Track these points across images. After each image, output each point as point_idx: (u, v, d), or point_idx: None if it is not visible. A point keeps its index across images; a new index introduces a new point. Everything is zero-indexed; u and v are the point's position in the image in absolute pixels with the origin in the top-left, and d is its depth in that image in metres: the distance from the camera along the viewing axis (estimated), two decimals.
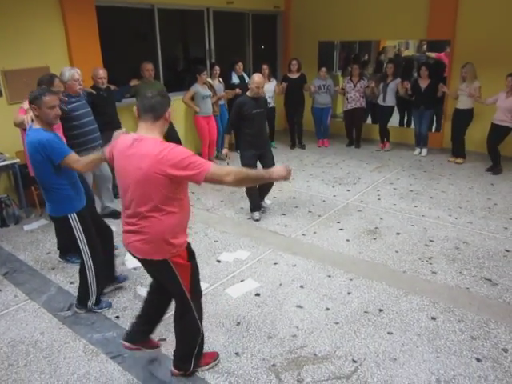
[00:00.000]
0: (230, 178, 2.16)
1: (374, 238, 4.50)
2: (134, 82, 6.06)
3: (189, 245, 2.44)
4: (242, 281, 3.77)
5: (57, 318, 3.32)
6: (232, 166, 2.66)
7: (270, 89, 7.53)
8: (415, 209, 5.23)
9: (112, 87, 5.56)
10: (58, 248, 4.19)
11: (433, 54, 7.98)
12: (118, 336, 2.97)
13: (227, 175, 2.16)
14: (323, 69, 7.81)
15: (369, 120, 8.60)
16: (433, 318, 3.21)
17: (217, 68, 7.15)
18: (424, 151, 7.45)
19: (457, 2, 7.03)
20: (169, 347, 2.88)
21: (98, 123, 4.72)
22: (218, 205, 5.53)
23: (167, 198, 2.21)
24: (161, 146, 2.14)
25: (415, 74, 7.78)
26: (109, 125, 4.83)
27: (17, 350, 2.99)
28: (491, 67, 6.69)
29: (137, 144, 2.20)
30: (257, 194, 5.08)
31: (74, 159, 2.90)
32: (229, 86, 7.44)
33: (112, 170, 3.51)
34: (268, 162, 4.85)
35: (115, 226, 4.16)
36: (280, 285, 3.70)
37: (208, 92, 6.83)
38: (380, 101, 7.58)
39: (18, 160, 5.00)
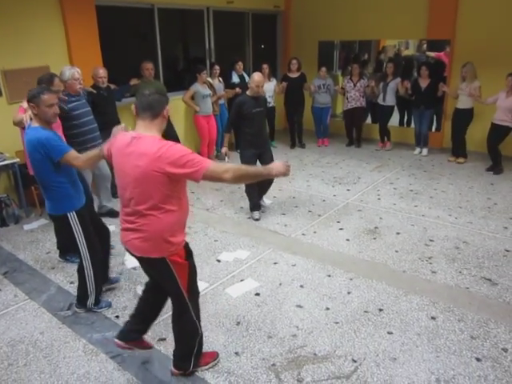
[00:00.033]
0: (228, 175, 2.16)
1: (374, 238, 4.50)
2: (134, 81, 6.06)
3: (187, 244, 2.44)
4: (241, 280, 3.77)
5: (56, 317, 3.32)
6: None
7: (270, 88, 7.53)
8: (415, 208, 5.23)
9: (112, 86, 5.56)
10: (58, 248, 4.19)
11: (432, 54, 7.98)
12: None
13: (225, 172, 2.16)
14: (323, 68, 7.81)
15: (369, 120, 8.60)
16: (433, 318, 3.21)
17: (217, 67, 7.15)
18: (425, 151, 7.45)
19: (457, 1, 7.03)
20: (168, 347, 2.88)
21: (98, 122, 4.72)
22: (218, 204, 5.53)
23: (166, 196, 2.21)
24: (159, 144, 2.14)
25: (415, 74, 7.78)
26: (109, 124, 4.77)
27: (17, 350, 2.99)
28: (491, 67, 6.69)
29: (135, 142, 2.20)
30: (256, 193, 5.09)
31: (74, 156, 2.90)
32: (229, 85, 7.44)
33: (111, 168, 3.51)
34: (268, 161, 4.80)
35: (113, 224, 4.16)
36: (280, 284, 3.70)
37: (208, 91, 6.83)
38: (380, 100, 7.58)
39: (17, 160, 5.00)
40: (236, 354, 2.90)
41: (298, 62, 7.71)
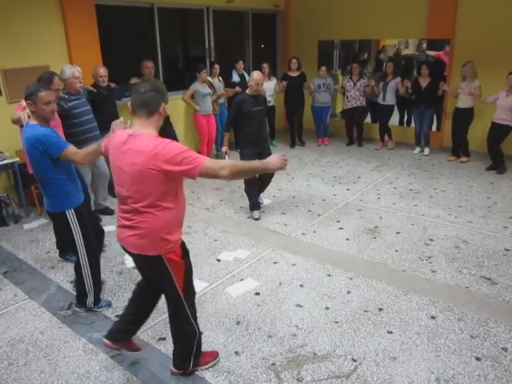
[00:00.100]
0: (224, 172, 2.15)
1: (374, 237, 4.50)
2: (134, 80, 6.06)
3: (183, 242, 2.44)
4: (241, 280, 3.77)
5: (56, 317, 3.32)
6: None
7: (270, 87, 7.53)
8: (415, 208, 5.23)
9: (112, 85, 5.56)
10: (58, 247, 4.19)
11: (432, 53, 7.98)
12: None
13: (222, 169, 2.15)
14: (323, 68, 7.81)
15: (368, 119, 8.59)
16: (432, 317, 3.21)
17: (216, 67, 7.15)
18: (426, 150, 7.44)
19: (456, 1, 7.02)
20: (168, 346, 2.88)
21: (99, 121, 4.72)
22: (218, 204, 5.53)
23: (163, 193, 2.21)
24: (155, 142, 2.14)
25: (415, 73, 7.78)
26: (109, 123, 4.79)
27: (16, 349, 2.99)
28: (491, 66, 6.69)
29: (132, 140, 2.19)
30: (256, 192, 5.09)
31: (73, 151, 2.90)
32: (229, 84, 7.44)
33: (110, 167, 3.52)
34: None
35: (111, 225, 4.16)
36: (280, 284, 3.70)
37: (208, 90, 6.83)
38: (380, 100, 7.58)
39: (17, 159, 5.00)
40: (236, 353, 2.90)
41: (297, 61, 7.71)
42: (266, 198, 5.49)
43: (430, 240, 4.41)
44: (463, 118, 6.67)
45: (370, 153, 7.66)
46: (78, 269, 3.23)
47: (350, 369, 2.74)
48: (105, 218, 4.99)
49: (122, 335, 2.70)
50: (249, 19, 8.53)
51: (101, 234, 3.65)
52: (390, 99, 7.48)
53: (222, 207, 5.42)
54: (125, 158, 2.20)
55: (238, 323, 3.20)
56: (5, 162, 4.96)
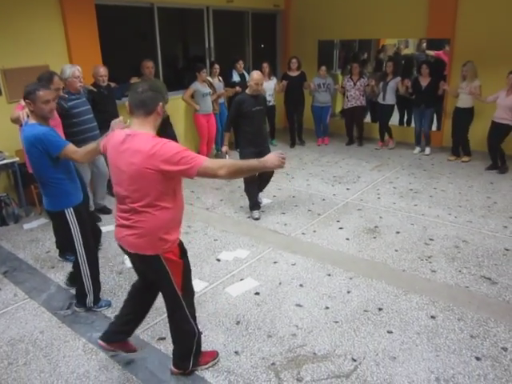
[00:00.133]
0: (222, 171, 2.14)
1: (374, 237, 4.50)
2: (134, 80, 6.05)
3: (181, 242, 2.44)
4: (241, 280, 3.77)
5: (56, 316, 3.32)
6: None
7: (270, 87, 7.54)
8: (415, 207, 5.23)
9: (112, 85, 5.57)
10: (57, 247, 4.19)
11: (432, 52, 7.98)
12: None
13: (220, 168, 2.15)
14: (323, 67, 7.80)
15: (368, 119, 8.59)
16: (432, 317, 3.21)
17: (216, 66, 7.15)
18: (427, 150, 7.43)
19: (456, 0, 7.01)
20: (168, 346, 2.87)
21: (99, 121, 4.73)
22: (218, 204, 5.53)
23: (161, 193, 2.21)
24: (153, 142, 2.14)
25: (415, 73, 7.77)
26: (109, 122, 4.79)
27: (16, 349, 2.99)
28: (491, 65, 6.69)
29: (130, 139, 2.19)
30: (256, 192, 5.09)
31: (73, 150, 2.90)
32: (229, 83, 7.44)
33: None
34: None
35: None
36: (280, 284, 3.70)
37: (208, 90, 6.83)
38: (380, 99, 7.57)
39: (17, 159, 5.00)
40: (236, 353, 2.90)
41: (297, 60, 7.72)
42: (265, 198, 5.49)
43: (430, 240, 4.41)
44: (463, 117, 6.67)
45: (370, 152, 7.66)
46: (76, 268, 3.22)
47: (350, 368, 2.74)
48: (105, 218, 4.99)
49: (118, 336, 2.70)
50: (249, 19, 8.53)
51: (98, 233, 3.65)
52: (390, 99, 7.48)
53: (221, 207, 5.42)
54: (123, 158, 2.20)
55: (237, 323, 3.20)
56: (5, 161, 4.96)
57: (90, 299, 3.31)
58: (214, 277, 3.82)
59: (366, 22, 7.99)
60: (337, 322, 3.19)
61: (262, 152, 4.92)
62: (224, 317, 3.27)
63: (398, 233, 4.58)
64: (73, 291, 3.53)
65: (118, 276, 3.86)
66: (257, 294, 3.56)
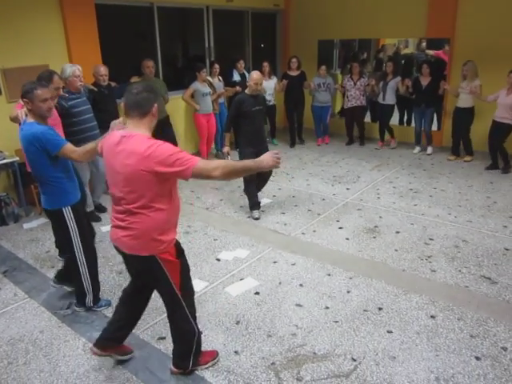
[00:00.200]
0: (217, 173, 2.14)
1: (374, 237, 4.50)
2: (134, 79, 6.07)
3: (177, 242, 2.44)
4: (241, 279, 3.77)
5: (56, 316, 3.32)
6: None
7: (270, 86, 7.55)
8: (415, 207, 5.23)
9: (113, 84, 5.57)
10: (57, 246, 4.18)
11: (431, 52, 7.98)
12: None
13: (214, 170, 2.14)
14: (323, 67, 7.80)
15: (368, 118, 8.58)
16: (432, 317, 3.21)
17: (216, 66, 7.14)
18: (429, 149, 7.42)
19: (456, 0, 7.01)
20: (168, 346, 2.88)
21: (99, 120, 4.73)
22: (218, 203, 5.52)
23: (156, 195, 2.21)
24: (148, 143, 2.14)
25: (415, 72, 7.77)
26: (109, 122, 4.80)
27: (16, 349, 2.99)
28: (491, 65, 6.68)
29: (125, 141, 2.19)
30: (256, 192, 5.09)
31: (71, 149, 2.91)
32: (229, 83, 7.44)
33: None
34: None
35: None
36: (279, 283, 3.70)
37: (208, 89, 6.83)
38: (380, 99, 7.57)
39: (17, 158, 5.00)
40: (235, 352, 2.90)
41: (297, 60, 7.72)
42: (265, 198, 5.49)
43: (430, 239, 4.41)
44: (464, 117, 6.67)
45: (370, 152, 7.66)
46: (75, 267, 3.21)
47: (350, 368, 2.74)
48: (105, 218, 4.99)
49: (111, 343, 2.70)
50: (249, 18, 8.52)
51: (92, 232, 3.64)
52: (390, 99, 7.47)
53: (221, 207, 5.41)
54: (118, 159, 2.20)
55: (237, 323, 3.20)
56: (4, 161, 4.95)
57: (89, 299, 3.31)
58: (214, 276, 3.82)
59: (365, 21, 7.98)
60: (337, 321, 3.19)
61: (261, 152, 4.90)
62: (224, 316, 3.27)
63: (397, 232, 4.58)
64: (67, 288, 3.53)
65: (117, 276, 3.86)
66: (257, 293, 3.56)
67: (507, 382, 2.61)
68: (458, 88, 6.70)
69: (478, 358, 2.79)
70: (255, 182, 5.01)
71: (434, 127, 7.70)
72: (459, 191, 5.72)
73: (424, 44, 8.04)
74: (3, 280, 3.85)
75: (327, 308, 3.34)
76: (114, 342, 2.70)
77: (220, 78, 7.25)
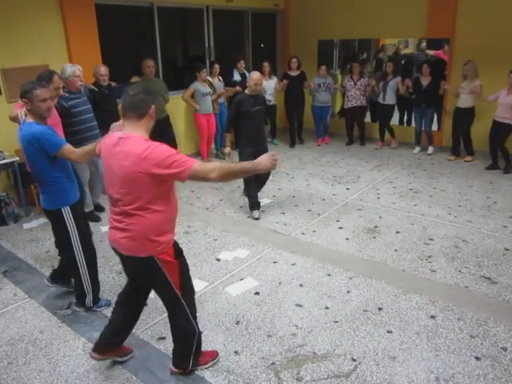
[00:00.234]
0: (214, 175, 2.14)
1: (374, 237, 4.50)
2: (135, 79, 6.07)
3: (176, 242, 2.44)
4: (241, 279, 3.77)
5: (56, 316, 3.32)
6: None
7: (270, 86, 7.55)
8: (415, 207, 5.23)
9: (113, 84, 5.57)
10: (57, 246, 4.18)
11: (431, 52, 7.98)
12: None
13: (211, 172, 2.14)
14: (323, 67, 7.80)
15: (368, 119, 8.58)
16: (432, 317, 3.21)
17: (216, 66, 7.15)
18: (430, 149, 7.41)
19: (456, 0, 7.02)
20: (168, 346, 2.88)
21: (99, 120, 4.73)
22: (218, 203, 5.52)
23: (154, 196, 2.21)
24: (145, 145, 2.13)
25: (415, 72, 7.77)
26: (109, 122, 4.76)
27: (16, 349, 2.99)
28: (492, 65, 6.68)
29: (122, 142, 2.19)
30: (255, 192, 5.09)
31: (70, 150, 2.91)
32: (229, 83, 7.44)
33: None
34: None
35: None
36: (279, 283, 3.70)
37: (208, 89, 6.83)
38: (380, 99, 7.57)
39: (17, 158, 5.00)
40: (235, 352, 2.90)
41: (297, 60, 7.72)
42: (265, 198, 5.49)
43: (430, 239, 4.41)
44: (464, 117, 6.67)
45: (370, 152, 7.66)
46: (74, 267, 3.20)
47: (350, 368, 2.74)
48: (104, 218, 4.99)
49: (109, 347, 2.70)
50: (249, 18, 8.52)
51: (89, 232, 3.63)
52: (390, 99, 7.47)
53: (221, 207, 5.41)
54: (115, 161, 2.20)
55: (237, 323, 3.20)
56: (4, 161, 4.95)
57: (89, 299, 3.30)
58: (214, 276, 3.82)
59: (365, 21, 7.98)
60: (336, 321, 3.19)
61: (260, 152, 4.90)
62: (224, 316, 3.27)
63: (397, 232, 4.58)
64: (64, 288, 3.54)
65: (117, 276, 3.86)
66: (257, 293, 3.56)
67: (507, 382, 2.61)
68: (458, 88, 6.70)
69: (477, 358, 2.79)
70: (255, 181, 5.00)
71: (434, 127, 7.69)
72: (459, 191, 5.72)
73: (424, 44, 8.04)
74: (3, 280, 3.85)
75: (327, 308, 3.34)
76: (112, 345, 2.70)
77: (220, 78, 7.26)
